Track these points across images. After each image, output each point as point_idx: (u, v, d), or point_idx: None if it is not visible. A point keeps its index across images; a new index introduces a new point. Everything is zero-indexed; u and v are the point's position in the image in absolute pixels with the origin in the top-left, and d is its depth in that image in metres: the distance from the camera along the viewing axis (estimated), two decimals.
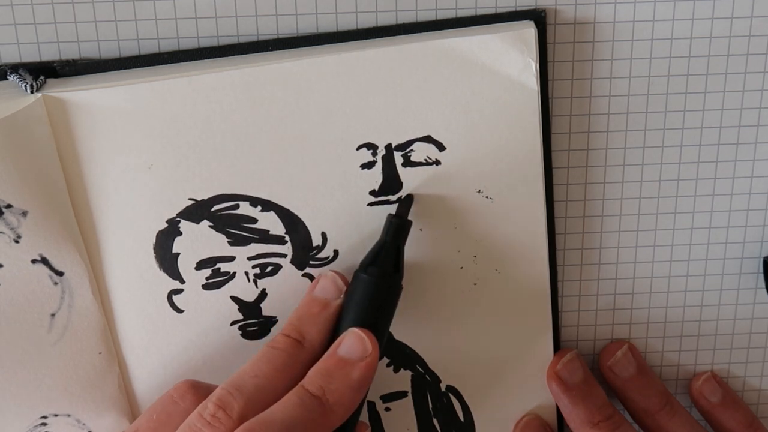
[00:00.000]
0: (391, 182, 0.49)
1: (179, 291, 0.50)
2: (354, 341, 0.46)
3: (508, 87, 0.48)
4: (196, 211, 0.49)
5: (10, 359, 0.49)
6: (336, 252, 0.50)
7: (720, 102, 0.51)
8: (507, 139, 0.49)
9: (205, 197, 0.49)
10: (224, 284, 0.50)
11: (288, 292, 0.51)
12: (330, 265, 0.50)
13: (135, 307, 0.50)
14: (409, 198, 0.49)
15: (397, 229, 0.48)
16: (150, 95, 0.47)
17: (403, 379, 0.54)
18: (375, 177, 0.49)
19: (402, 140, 0.49)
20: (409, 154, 0.49)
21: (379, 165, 0.49)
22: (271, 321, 0.51)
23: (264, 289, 0.51)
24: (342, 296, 0.48)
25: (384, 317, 0.48)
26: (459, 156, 0.49)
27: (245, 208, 0.49)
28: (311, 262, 0.50)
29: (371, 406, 0.54)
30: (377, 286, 0.47)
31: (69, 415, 0.51)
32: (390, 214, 0.49)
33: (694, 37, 0.50)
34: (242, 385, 0.44)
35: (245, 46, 0.49)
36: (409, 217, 0.49)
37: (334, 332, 0.48)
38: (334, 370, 0.45)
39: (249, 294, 0.51)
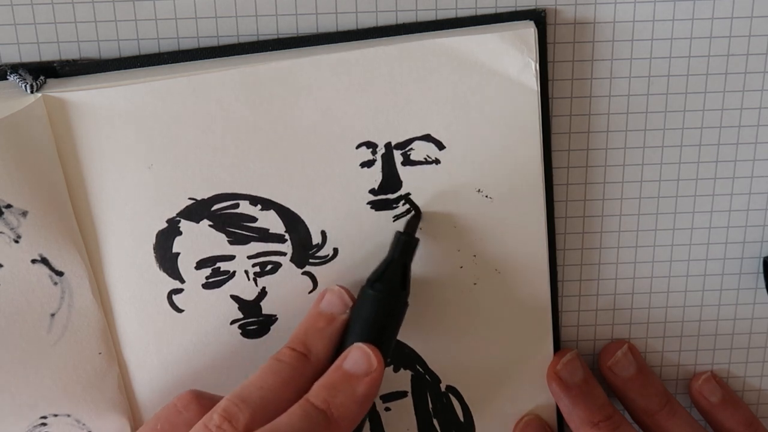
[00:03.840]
0: (390, 181, 0.49)
1: (179, 290, 0.50)
2: (360, 356, 0.46)
3: (508, 87, 0.48)
4: (196, 211, 0.49)
5: (10, 359, 0.49)
6: (336, 250, 0.50)
7: (720, 102, 0.51)
8: (507, 139, 0.49)
9: (205, 196, 0.49)
10: (224, 283, 0.50)
11: (288, 291, 0.51)
12: (329, 263, 0.50)
13: (135, 307, 0.50)
14: (417, 215, 0.50)
15: (405, 246, 0.49)
16: (150, 95, 0.47)
17: (403, 379, 0.54)
18: (375, 175, 0.49)
19: (401, 139, 0.49)
20: (408, 153, 0.49)
21: (378, 163, 0.49)
22: (271, 319, 0.51)
23: (264, 288, 0.51)
24: (348, 311, 0.48)
25: (389, 333, 0.48)
26: (459, 155, 0.49)
27: (245, 207, 0.49)
28: (311, 261, 0.50)
29: (371, 405, 0.54)
30: (384, 302, 0.48)
31: (69, 416, 0.51)
32: (398, 232, 0.49)
33: (694, 37, 0.50)
34: (248, 397, 0.44)
35: (245, 46, 0.49)
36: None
37: (339, 347, 0.48)
38: (340, 384, 0.45)
39: (249, 293, 0.51)
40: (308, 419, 0.43)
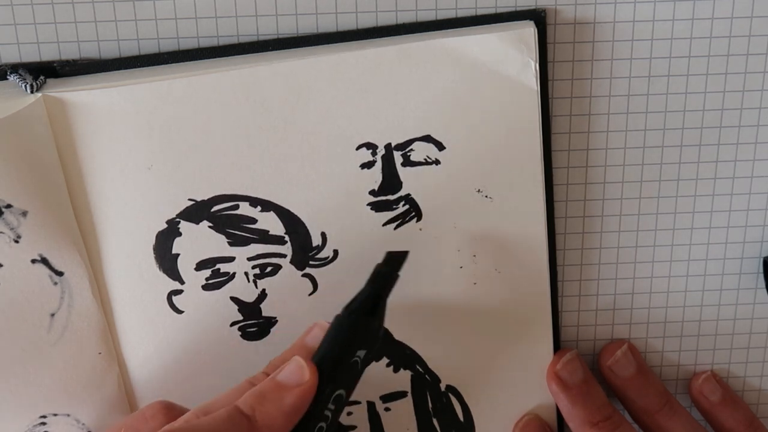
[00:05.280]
0: (390, 182, 0.49)
1: (179, 292, 0.50)
2: (294, 368, 0.46)
3: (508, 87, 0.48)
4: (196, 212, 0.49)
5: (9, 359, 0.49)
6: (336, 252, 0.50)
7: (720, 102, 0.51)
8: (507, 139, 0.49)
9: (205, 198, 0.49)
10: (224, 285, 0.50)
11: (288, 293, 0.51)
12: (330, 265, 0.50)
13: (135, 307, 0.50)
14: (403, 254, 0.48)
15: (383, 279, 0.47)
16: (150, 95, 0.47)
17: (403, 379, 0.54)
18: (375, 177, 0.49)
19: (402, 140, 0.49)
20: (408, 154, 0.49)
21: (378, 165, 0.49)
22: (271, 321, 0.51)
23: (264, 290, 0.51)
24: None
25: (344, 355, 0.46)
26: (459, 155, 0.49)
27: (245, 209, 0.49)
28: (311, 262, 0.50)
29: (371, 406, 0.54)
30: (341, 324, 0.46)
31: (68, 415, 0.51)
32: (378, 264, 0.48)
33: (694, 37, 0.50)
34: (210, 412, 0.44)
35: (245, 46, 0.49)
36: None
37: None
38: (269, 392, 0.45)
39: (249, 294, 0.51)
40: (231, 422, 0.43)
